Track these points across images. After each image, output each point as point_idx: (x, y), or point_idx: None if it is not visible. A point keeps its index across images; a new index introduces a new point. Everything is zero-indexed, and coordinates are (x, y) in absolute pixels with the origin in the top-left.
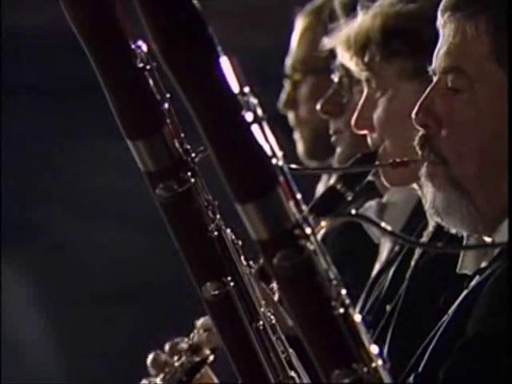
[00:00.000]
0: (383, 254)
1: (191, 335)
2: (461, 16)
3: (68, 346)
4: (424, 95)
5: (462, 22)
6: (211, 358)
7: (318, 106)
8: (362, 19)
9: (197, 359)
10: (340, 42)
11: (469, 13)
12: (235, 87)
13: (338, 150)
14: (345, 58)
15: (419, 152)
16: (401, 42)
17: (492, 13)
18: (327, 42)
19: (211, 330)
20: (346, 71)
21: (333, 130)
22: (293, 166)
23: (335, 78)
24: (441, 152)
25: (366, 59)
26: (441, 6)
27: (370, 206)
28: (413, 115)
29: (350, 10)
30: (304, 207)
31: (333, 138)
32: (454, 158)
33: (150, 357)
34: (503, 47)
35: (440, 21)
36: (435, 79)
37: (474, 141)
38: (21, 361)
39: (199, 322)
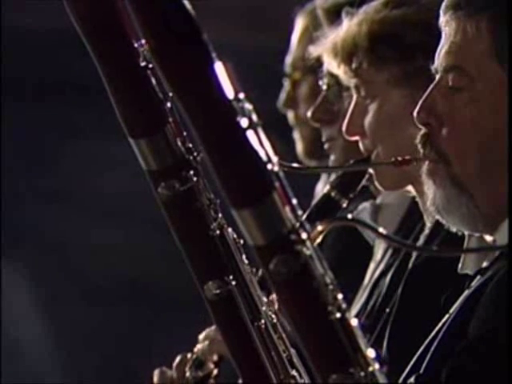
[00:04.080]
0: (378, 254)
1: (194, 349)
2: (462, 15)
3: (68, 346)
4: (425, 94)
5: (463, 21)
6: (215, 372)
7: (309, 114)
8: (348, 26)
9: (200, 374)
10: (326, 50)
11: (469, 11)
12: (230, 93)
13: (332, 157)
14: (332, 65)
15: (421, 150)
16: (388, 47)
17: (492, 11)
18: (313, 50)
19: (213, 339)
20: (335, 79)
21: (325, 137)
22: (294, 164)
23: (323, 85)
24: (442, 150)
25: (354, 66)
26: (443, 5)
27: (365, 208)
28: (414, 114)
29: (334, 18)
30: (300, 212)
31: (326, 146)
32: (454, 156)
33: (156, 373)
34: (503, 46)
35: (442, 20)
36: (437, 78)
37: (474, 139)
38: (21, 360)
39: (201, 335)
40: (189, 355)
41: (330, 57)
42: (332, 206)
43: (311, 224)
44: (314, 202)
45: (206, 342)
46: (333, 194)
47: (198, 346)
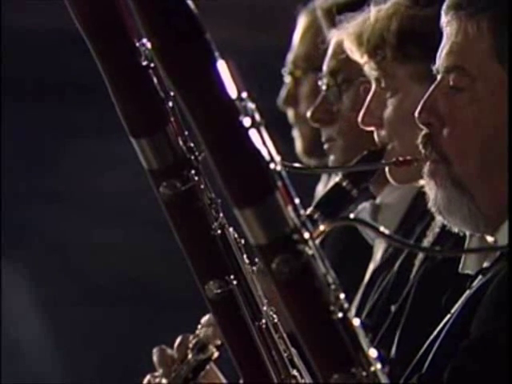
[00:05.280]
0: (377, 254)
1: (196, 332)
2: (463, 15)
3: (68, 346)
4: (427, 94)
5: (464, 21)
6: (216, 355)
7: (309, 114)
8: (376, 18)
9: (202, 357)
10: (350, 38)
11: (471, 12)
12: (233, 92)
13: (332, 157)
14: (354, 53)
15: (422, 150)
16: (415, 45)
17: (493, 12)
18: (335, 34)
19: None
20: (335, 79)
21: (325, 137)
22: (296, 164)
23: (323, 85)
24: (443, 150)
25: (378, 59)
26: (444, 6)
27: (364, 208)
28: (416, 114)
29: (334, 17)
30: (302, 211)
31: (325, 146)
32: (455, 156)
33: (155, 352)
34: (504, 46)
35: (443, 20)
36: (438, 78)
37: (475, 139)
38: (21, 360)
39: (204, 318)
40: (190, 337)
41: (354, 45)
42: (343, 196)
43: (321, 213)
44: (325, 191)
45: (211, 328)
46: (344, 183)
47: (202, 330)
